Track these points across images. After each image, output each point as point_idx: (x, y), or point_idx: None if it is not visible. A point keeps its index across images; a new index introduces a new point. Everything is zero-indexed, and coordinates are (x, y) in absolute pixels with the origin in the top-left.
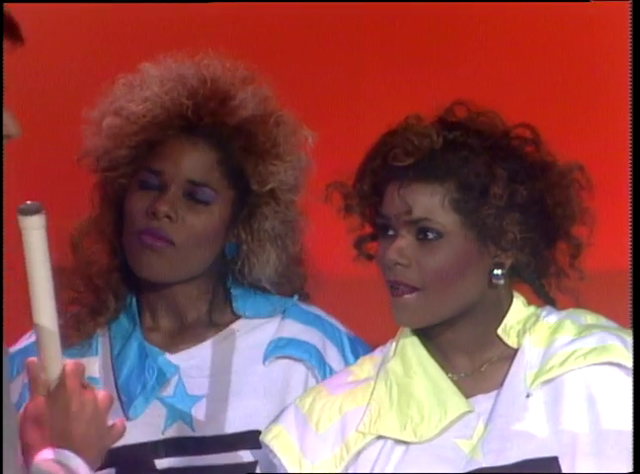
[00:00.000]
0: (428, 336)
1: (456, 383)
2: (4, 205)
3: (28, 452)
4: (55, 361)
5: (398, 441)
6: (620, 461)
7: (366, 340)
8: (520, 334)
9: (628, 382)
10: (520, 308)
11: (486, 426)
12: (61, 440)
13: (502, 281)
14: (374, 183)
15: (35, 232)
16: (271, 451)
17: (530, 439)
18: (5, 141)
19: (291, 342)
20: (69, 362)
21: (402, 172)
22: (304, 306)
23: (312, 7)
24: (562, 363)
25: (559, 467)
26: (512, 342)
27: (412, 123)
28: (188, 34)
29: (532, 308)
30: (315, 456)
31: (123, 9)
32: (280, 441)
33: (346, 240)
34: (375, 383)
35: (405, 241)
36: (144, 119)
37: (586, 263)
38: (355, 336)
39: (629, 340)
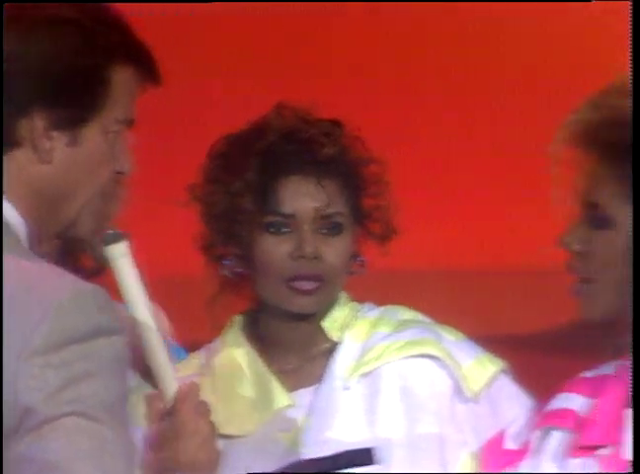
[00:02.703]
0: (254, 331)
1: (280, 377)
2: None
3: None
4: (169, 383)
5: (221, 436)
6: (431, 453)
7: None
8: (342, 328)
9: (441, 373)
10: (343, 303)
11: (307, 419)
12: (170, 463)
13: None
14: (265, 178)
15: (121, 260)
16: None
17: (348, 431)
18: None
19: None
20: (184, 385)
21: (299, 167)
22: None
23: (313, 7)
24: (378, 357)
25: (375, 458)
26: (334, 336)
27: (306, 118)
28: (188, 33)
29: (354, 304)
30: None
31: (123, 9)
32: None
33: None
34: (201, 379)
35: (313, 235)
36: None
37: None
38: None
39: (444, 334)
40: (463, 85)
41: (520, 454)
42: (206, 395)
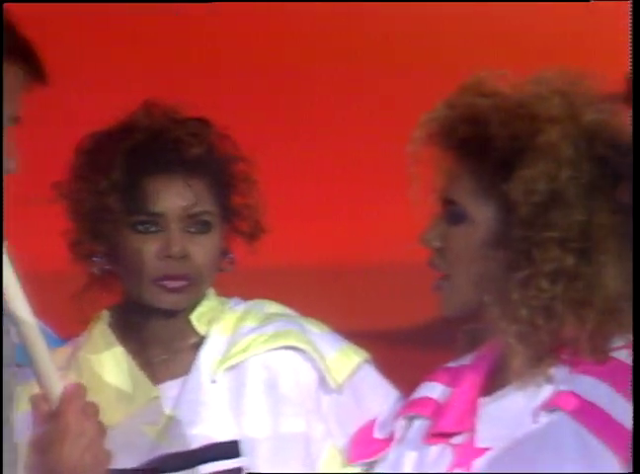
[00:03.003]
0: (121, 326)
1: (147, 370)
2: None
3: None
4: (53, 383)
5: None
6: (297, 445)
7: None
8: (210, 322)
9: (306, 366)
10: (210, 297)
11: (173, 411)
12: (55, 466)
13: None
14: (132, 176)
15: None
16: None
17: (214, 424)
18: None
19: None
20: (69, 385)
21: (166, 166)
22: None
23: (312, 7)
24: (244, 349)
25: (240, 450)
26: (202, 330)
27: (173, 117)
28: (188, 33)
29: (222, 298)
30: None
31: (124, 9)
32: None
33: None
34: (67, 373)
35: (181, 234)
36: None
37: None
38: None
39: (309, 327)
40: (339, 85)
41: (385, 443)
42: None
